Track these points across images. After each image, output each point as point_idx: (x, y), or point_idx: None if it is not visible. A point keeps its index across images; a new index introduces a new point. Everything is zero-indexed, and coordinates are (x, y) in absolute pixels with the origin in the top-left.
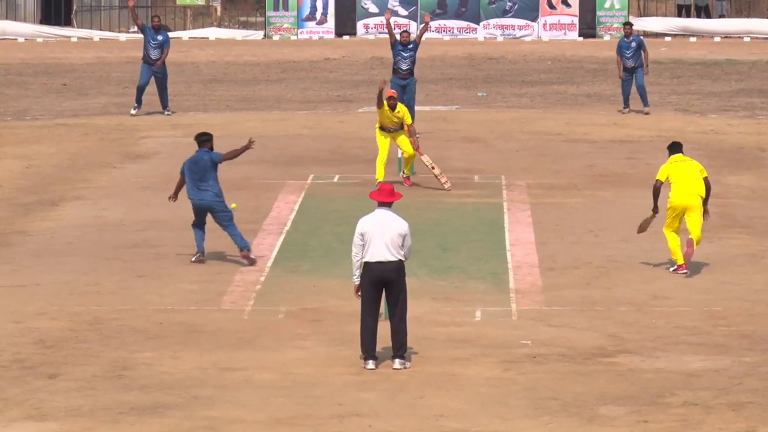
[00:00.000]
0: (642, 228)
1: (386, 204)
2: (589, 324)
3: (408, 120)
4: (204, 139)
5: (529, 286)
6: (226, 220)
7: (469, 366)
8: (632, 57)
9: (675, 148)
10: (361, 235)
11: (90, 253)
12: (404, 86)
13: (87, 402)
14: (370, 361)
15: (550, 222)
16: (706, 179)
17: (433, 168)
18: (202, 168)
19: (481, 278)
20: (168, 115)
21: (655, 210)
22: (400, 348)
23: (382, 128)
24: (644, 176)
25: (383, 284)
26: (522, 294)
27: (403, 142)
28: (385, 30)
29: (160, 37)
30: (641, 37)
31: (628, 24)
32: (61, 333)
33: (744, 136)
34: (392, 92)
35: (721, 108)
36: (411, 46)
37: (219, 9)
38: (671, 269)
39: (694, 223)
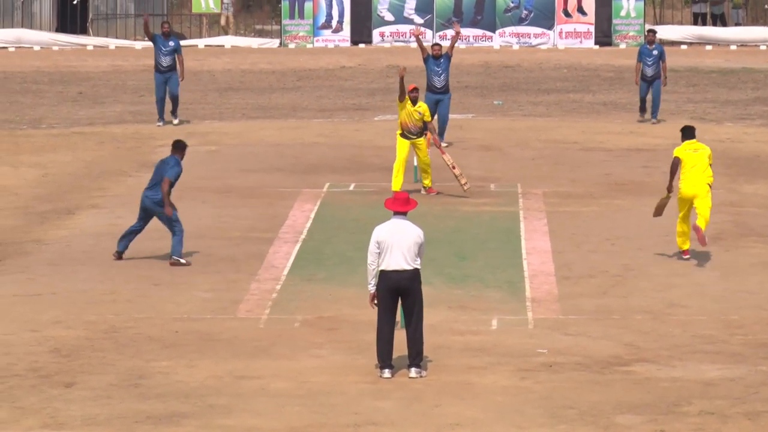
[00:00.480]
0: (658, 211)
1: (402, 213)
2: (606, 333)
3: (427, 117)
4: (178, 147)
5: (546, 294)
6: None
7: (485, 375)
8: (653, 65)
9: (689, 132)
10: (378, 243)
11: (105, 262)
12: (438, 101)
13: (103, 411)
14: (386, 370)
15: (567, 231)
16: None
17: (453, 168)
18: (158, 172)
19: (497, 287)
20: (177, 123)
21: (670, 189)
22: (416, 357)
23: (402, 133)
24: (660, 185)
25: (399, 293)
26: (538, 303)
27: (421, 148)
28: (414, 41)
29: (171, 43)
30: (663, 47)
31: (651, 31)
32: (77, 342)
33: (760, 145)
34: (413, 85)
35: (737, 116)
36: (443, 59)
37: (228, 17)
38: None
39: (702, 206)
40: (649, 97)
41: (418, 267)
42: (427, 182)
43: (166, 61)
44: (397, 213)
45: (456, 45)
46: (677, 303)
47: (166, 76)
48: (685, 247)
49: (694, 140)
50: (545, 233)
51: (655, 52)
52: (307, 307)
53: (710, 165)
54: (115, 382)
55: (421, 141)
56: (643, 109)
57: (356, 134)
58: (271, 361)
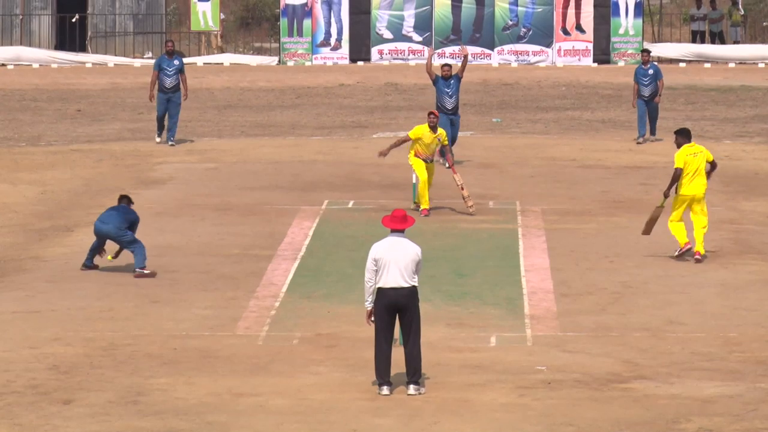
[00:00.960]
0: (648, 227)
1: (399, 230)
2: (604, 350)
3: (445, 141)
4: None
5: (544, 311)
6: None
7: (483, 392)
8: (649, 85)
9: (685, 135)
10: (375, 260)
11: (104, 279)
12: (451, 122)
13: (101, 428)
14: (385, 387)
15: (565, 248)
16: (713, 162)
17: (462, 188)
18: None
19: (496, 304)
20: (171, 145)
21: (667, 195)
22: (414, 374)
23: (416, 156)
24: (659, 202)
25: (397, 310)
26: (537, 320)
27: (432, 172)
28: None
29: (176, 62)
30: (658, 66)
31: (645, 51)
32: (75, 358)
33: (759, 162)
34: (435, 111)
35: (735, 134)
36: (453, 80)
37: (218, 37)
38: (676, 253)
39: (700, 214)
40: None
41: (416, 284)
42: (425, 204)
43: (170, 82)
44: (394, 230)
45: (456, 62)
46: (676, 320)
47: (169, 96)
48: (686, 240)
49: (692, 143)
50: (544, 250)
51: (650, 72)
52: (305, 324)
53: (713, 161)
54: (114, 399)
55: (432, 165)
56: (642, 132)
57: (355, 152)
58: (269, 378)
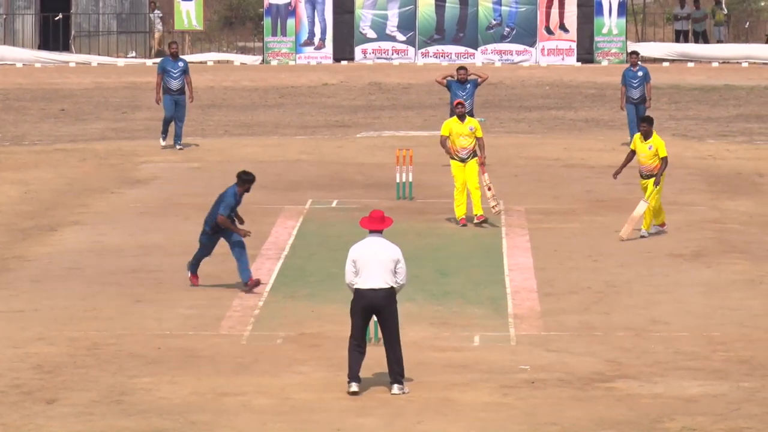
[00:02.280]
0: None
1: (377, 231)
2: (588, 349)
3: (479, 133)
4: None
5: (528, 311)
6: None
7: (467, 391)
8: (638, 87)
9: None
10: (353, 261)
11: (88, 279)
12: None
13: (85, 427)
14: (354, 384)
15: (549, 247)
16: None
17: (489, 188)
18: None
19: (479, 303)
20: (180, 149)
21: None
22: (397, 374)
23: (453, 157)
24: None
25: (373, 311)
26: (520, 319)
27: (471, 174)
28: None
29: (180, 64)
30: (647, 68)
31: (634, 53)
32: (59, 358)
33: (742, 162)
34: (461, 100)
35: (719, 133)
36: (469, 84)
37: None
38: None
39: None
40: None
41: (394, 286)
42: (478, 210)
43: (176, 84)
44: (372, 231)
45: (439, 62)
46: (659, 319)
47: (175, 98)
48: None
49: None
50: (527, 250)
51: (639, 74)
52: (289, 323)
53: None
54: (98, 398)
55: (473, 162)
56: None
57: (339, 151)
58: (253, 378)
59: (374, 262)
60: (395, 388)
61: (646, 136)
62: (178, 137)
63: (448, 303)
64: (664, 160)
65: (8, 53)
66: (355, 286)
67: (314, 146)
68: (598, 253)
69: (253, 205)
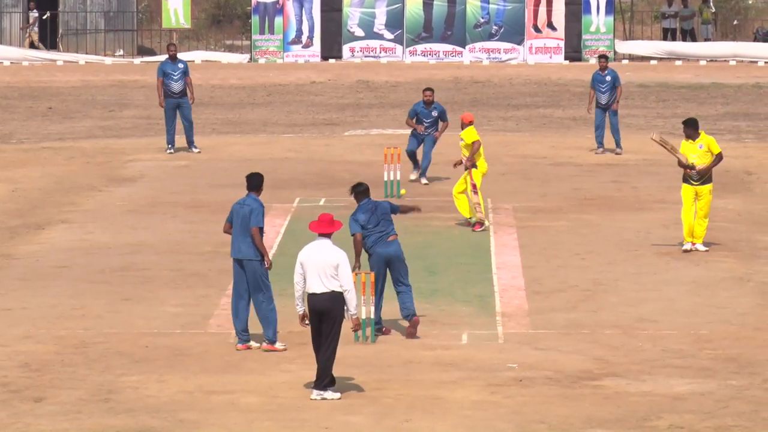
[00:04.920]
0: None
1: (325, 234)
2: (576, 347)
3: (468, 140)
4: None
5: (516, 309)
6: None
7: (455, 389)
8: (607, 92)
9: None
10: (300, 264)
11: (76, 277)
12: (422, 142)
13: (73, 425)
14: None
15: (537, 245)
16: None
17: (476, 193)
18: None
19: (467, 301)
20: (197, 152)
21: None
22: (318, 379)
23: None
24: (630, 199)
25: (319, 314)
26: (508, 317)
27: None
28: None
29: (180, 66)
30: (616, 72)
31: (603, 57)
32: (47, 356)
33: (730, 160)
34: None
35: (707, 131)
36: (435, 113)
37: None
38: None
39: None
40: (607, 131)
41: (338, 289)
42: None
43: (177, 87)
44: (321, 234)
45: (427, 60)
46: (647, 317)
47: (178, 101)
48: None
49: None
50: (515, 248)
51: (608, 78)
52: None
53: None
54: (85, 396)
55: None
56: (600, 143)
57: (326, 149)
58: (241, 376)
59: (316, 267)
60: (314, 393)
61: (692, 138)
62: (191, 141)
63: (436, 301)
64: (718, 156)
65: None
66: (307, 291)
67: (302, 144)
68: (586, 251)
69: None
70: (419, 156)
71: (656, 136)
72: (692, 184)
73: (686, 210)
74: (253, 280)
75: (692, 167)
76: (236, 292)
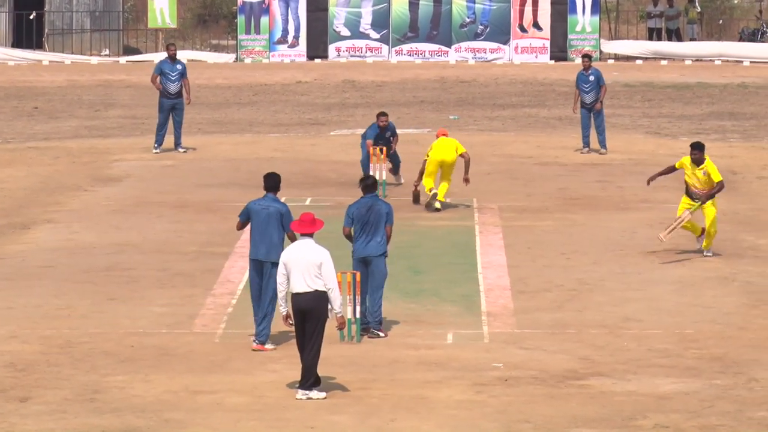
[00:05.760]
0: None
1: (307, 234)
2: (561, 347)
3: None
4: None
5: (501, 308)
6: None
7: (440, 389)
8: (591, 91)
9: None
10: (284, 265)
11: (61, 277)
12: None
13: (58, 425)
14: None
15: (522, 245)
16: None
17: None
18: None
19: (452, 301)
20: (183, 152)
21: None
22: (303, 378)
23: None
24: (615, 199)
25: (303, 314)
26: (494, 317)
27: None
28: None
29: (179, 67)
30: (600, 72)
31: (586, 56)
32: (32, 356)
33: (715, 159)
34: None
35: (692, 131)
36: (389, 134)
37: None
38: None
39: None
40: (593, 131)
41: (321, 288)
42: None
43: (173, 88)
44: (303, 234)
45: (413, 60)
46: (632, 317)
47: (173, 102)
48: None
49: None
50: (501, 247)
51: (591, 78)
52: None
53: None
54: (71, 396)
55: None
56: (586, 143)
57: (312, 149)
58: (226, 376)
59: (299, 266)
60: (299, 393)
61: (698, 162)
62: (179, 141)
63: (421, 301)
64: (720, 184)
65: None
66: (291, 291)
67: (288, 144)
68: (572, 250)
69: (226, 203)
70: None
71: (664, 237)
72: (691, 198)
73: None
74: (268, 281)
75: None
76: (254, 294)
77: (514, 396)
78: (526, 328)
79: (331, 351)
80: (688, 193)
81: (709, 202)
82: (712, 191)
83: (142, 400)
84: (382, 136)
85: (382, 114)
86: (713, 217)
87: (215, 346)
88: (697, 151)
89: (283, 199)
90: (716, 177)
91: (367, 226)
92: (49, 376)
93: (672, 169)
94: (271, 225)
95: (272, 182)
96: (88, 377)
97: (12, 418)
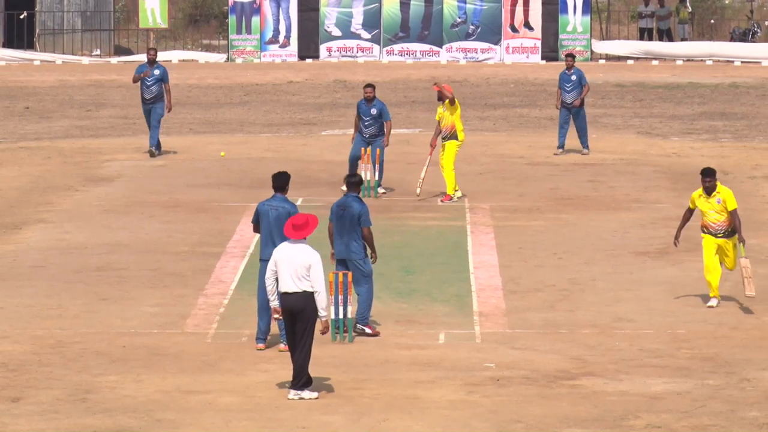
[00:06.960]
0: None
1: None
2: (553, 347)
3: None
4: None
5: (493, 308)
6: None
7: (432, 389)
8: (572, 91)
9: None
10: (275, 262)
11: (53, 277)
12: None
13: (50, 425)
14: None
15: (514, 245)
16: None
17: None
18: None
19: (444, 301)
20: (156, 155)
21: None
22: (295, 378)
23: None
24: (607, 199)
25: (293, 314)
26: (485, 317)
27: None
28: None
29: (156, 72)
30: (582, 71)
31: (570, 56)
32: (23, 356)
33: (706, 159)
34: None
35: (683, 131)
36: (375, 111)
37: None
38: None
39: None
40: (571, 132)
41: (309, 290)
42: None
43: (147, 94)
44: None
45: (404, 60)
46: (624, 317)
47: (149, 107)
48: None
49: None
50: (492, 247)
51: (573, 78)
52: (254, 321)
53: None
54: (62, 396)
55: (448, 144)
56: (561, 144)
57: (304, 149)
58: (218, 376)
59: (289, 267)
60: (291, 393)
61: (710, 191)
62: (151, 143)
63: (413, 301)
64: (734, 213)
65: None
66: (280, 290)
67: (279, 144)
68: (563, 250)
69: (218, 203)
70: (364, 169)
71: (750, 292)
72: (713, 235)
73: (709, 265)
74: None
75: None
76: (264, 296)
77: (506, 396)
78: (518, 328)
79: (323, 351)
80: (708, 230)
81: (731, 245)
82: (738, 225)
83: (133, 400)
84: (367, 110)
85: (368, 85)
86: (742, 251)
87: (207, 346)
88: (709, 177)
89: None
90: (731, 205)
91: (340, 225)
92: (40, 376)
93: (690, 213)
94: (280, 225)
95: (280, 182)
96: (80, 377)
97: (3, 419)
